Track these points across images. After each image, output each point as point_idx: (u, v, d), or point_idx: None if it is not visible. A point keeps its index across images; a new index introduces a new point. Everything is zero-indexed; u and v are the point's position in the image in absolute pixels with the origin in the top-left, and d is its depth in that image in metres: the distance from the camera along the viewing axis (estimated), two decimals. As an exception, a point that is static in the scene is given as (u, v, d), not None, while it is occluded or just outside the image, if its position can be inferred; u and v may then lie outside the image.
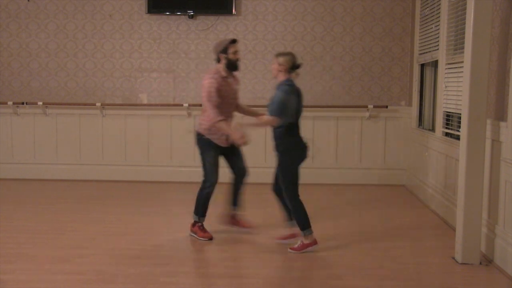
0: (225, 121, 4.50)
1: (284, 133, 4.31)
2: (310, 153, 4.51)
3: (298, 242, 4.42)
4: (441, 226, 5.28)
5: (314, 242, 4.41)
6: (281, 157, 4.38)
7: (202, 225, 4.77)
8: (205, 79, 4.58)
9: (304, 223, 4.38)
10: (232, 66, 4.63)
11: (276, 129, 4.33)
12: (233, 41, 4.62)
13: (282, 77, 4.33)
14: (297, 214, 4.38)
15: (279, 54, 4.38)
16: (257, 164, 6.44)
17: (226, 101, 4.59)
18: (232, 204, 4.91)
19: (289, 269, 4.09)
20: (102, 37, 7.28)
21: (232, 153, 4.79)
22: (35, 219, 5.36)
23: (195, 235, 4.77)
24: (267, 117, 4.31)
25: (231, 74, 4.72)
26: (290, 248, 4.41)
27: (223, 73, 4.61)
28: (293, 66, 4.33)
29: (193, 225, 4.81)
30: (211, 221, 4.87)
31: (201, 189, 4.76)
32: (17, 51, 7.35)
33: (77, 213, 5.61)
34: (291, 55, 4.37)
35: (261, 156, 6.98)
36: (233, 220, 4.95)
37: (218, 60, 4.63)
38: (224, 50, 4.58)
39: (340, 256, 4.34)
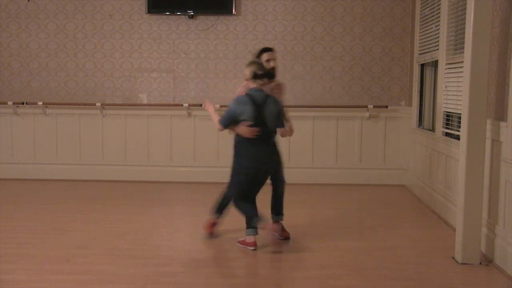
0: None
1: (239, 139, 4.41)
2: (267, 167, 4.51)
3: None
4: (441, 226, 5.28)
5: (253, 244, 4.47)
6: (233, 159, 4.51)
7: (215, 222, 4.74)
8: (238, 88, 4.60)
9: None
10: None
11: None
12: (267, 49, 4.58)
13: (251, 85, 4.40)
14: (241, 210, 4.50)
15: (246, 65, 4.43)
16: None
17: None
18: (272, 212, 4.74)
19: (289, 269, 4.09)
20: (102, 37, 7.29)
21: None
22: (35, 219, 5.36)
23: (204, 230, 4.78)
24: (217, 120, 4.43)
25: (267, 83, 4.51)
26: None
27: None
28: (255, 76, 4.34)
29: (211, 219, 4.77)
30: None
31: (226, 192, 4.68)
32: (17, 51, 7.35)
33: (77, 213, 5.62)
34: (253, 65, 4.37)
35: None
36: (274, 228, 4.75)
37: None
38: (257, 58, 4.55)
39: (340, 256, 4.34)
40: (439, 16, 5.80)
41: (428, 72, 6.55)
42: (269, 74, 4.52)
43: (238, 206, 4.48)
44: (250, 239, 4.46)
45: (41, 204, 5.99)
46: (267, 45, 7.11)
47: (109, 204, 6.03)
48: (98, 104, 7.22)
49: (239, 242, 4.56)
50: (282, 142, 7.20)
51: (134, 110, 7.30)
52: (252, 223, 4.42)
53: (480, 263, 4.15)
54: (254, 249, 4.43)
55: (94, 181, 7.24)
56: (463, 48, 4.48)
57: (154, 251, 4.43)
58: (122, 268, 4.01)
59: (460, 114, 4.32)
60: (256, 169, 4.41)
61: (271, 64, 4.56)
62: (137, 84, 7.33)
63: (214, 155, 7.12)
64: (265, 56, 4.57)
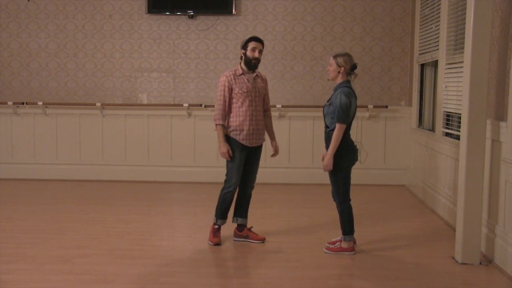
0: (223, 126, 4.45)
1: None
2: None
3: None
4: (441, 226, 5.28)
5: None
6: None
7: (219, 228, 4.64)
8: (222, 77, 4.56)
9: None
10: (247, 63, 4.47)
11: None
12: (255, 38, 4.48)
13: (340, 78, 4.36)
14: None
15: (339, 55, 4.39)
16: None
17: (246, 99, 4.45)
18: (237, 215, 4.73)
19: (289, 269, 4.09)
20: (102, 37, 7.29)
21: (251, 162, 4.61)
22: (35, 219, 5.36)
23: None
24: None
25: (251, 73, 4.53)
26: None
27: (239, 71, 4.51)
28: (354, 67, 4.32)
29: (213, 225, 4.69)
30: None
31: (222, 189, 4.60)
32: (17, 51, 7.35)
33: (77, 213, 5.62)
34: (348, 56, 4.31)
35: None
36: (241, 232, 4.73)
37: (241, 58, 4.53)
38: (244, 46, 4.48)
39: (340, 256, 4.34)
40: (439, 16, 5.80)
41: (428, 72, 6.55)
42: (253, 65, 4.49)
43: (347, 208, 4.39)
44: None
45: (41, 204, 5.98)
46: (267, 45, 7.13)
47: (109, 204, 6.03)
48: (98, 104, 7.22)
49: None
50: (281, 142, 7.23)
51: (134, 110, 7.30)
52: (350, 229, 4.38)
53: (480, 263, 4.15)
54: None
55: (94, 181, 7.24)
56: (463, 48, 4.49)
57: (154, 251, 4.43)
58: (122, 268, 4.01)
59: (460, 114, 4.32)
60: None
61: (256, 54, 4.45)
62: (137, 84, 7.33)
63: (214, 155, 7.10)
64: (252, 44, 4.45)
